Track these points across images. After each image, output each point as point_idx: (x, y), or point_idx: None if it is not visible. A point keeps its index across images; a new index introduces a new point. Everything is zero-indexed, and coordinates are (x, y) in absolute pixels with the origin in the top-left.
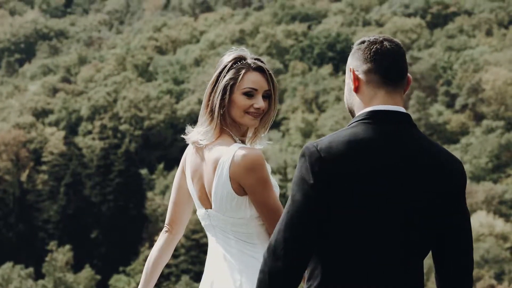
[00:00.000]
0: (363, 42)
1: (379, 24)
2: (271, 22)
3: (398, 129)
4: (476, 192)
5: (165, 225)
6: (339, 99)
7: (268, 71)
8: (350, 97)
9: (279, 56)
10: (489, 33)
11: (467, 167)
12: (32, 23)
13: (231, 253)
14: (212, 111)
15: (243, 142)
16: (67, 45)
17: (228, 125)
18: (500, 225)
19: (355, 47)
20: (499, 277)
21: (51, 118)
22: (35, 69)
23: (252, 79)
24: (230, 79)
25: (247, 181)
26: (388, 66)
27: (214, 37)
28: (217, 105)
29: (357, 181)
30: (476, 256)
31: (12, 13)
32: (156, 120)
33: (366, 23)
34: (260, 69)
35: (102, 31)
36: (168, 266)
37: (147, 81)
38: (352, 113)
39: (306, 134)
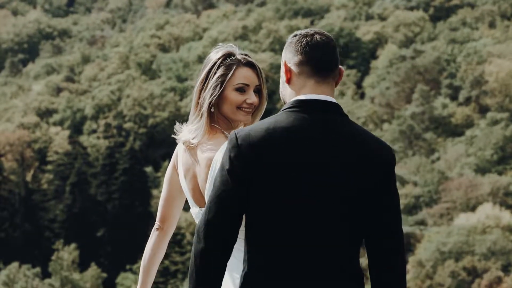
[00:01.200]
0: (295, 35)
1: (382, 18)
2: (273, 18)
3: (323, 117)
4: (481, 184)
5: (156, 222)
6: (342, 93)
7: (257, 66)
8: (283, 89)
9: None
10: (492, 25)
11: (472, 160)
12: (35, 23)
13: None
14: (202, 108)
15: None
16: (70, 44)
17: (219, 122)
18: (506, 217)
19: (288, 40)
20: (506, 269)
21: (56, 117)
22: (38, 68)
23: (243, 75)
24: (221, 75)
25: None
26: (318, 57)
27: (217, 34)
28: (207, 102)
29: (275, 167)
30: (483, 248)
31: (15, 13)
32: (160, 117)
33: (369, 17)
34: (250, 64)
35: (105, 29)
36: (174, 263)
37: (150, 79)
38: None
39: None
